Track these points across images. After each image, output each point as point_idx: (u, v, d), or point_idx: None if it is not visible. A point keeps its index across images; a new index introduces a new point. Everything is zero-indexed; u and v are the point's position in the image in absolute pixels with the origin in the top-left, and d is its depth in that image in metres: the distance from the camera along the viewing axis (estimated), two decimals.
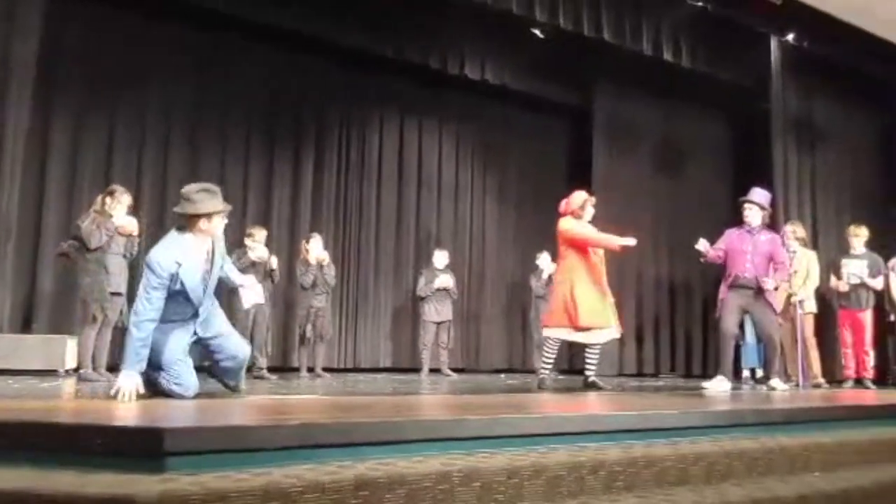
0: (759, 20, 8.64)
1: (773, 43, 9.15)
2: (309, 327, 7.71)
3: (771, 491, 3.16)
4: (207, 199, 3.93)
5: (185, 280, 3.88)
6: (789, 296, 7.58)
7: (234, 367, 4.19)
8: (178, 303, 3.92)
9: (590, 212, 6.09)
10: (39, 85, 7.05)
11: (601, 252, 6.01)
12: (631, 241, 5.94)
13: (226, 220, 4.13)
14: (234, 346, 4.19)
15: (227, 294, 7.01)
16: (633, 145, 10.49)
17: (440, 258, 9.06)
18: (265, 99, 9.11)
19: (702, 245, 6.30)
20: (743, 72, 9.60)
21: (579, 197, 6.12)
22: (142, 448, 2.24)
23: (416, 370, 8.89)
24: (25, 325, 7.40)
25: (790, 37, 8.94)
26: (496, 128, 10.81)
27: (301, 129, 9.48)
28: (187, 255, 3.90)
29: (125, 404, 3.53)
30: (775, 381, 6.29)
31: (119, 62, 8.13)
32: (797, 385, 7.40)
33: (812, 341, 7.63)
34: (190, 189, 3.97)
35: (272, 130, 9.23)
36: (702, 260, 6.47)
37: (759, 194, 6.37)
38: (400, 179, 10.20)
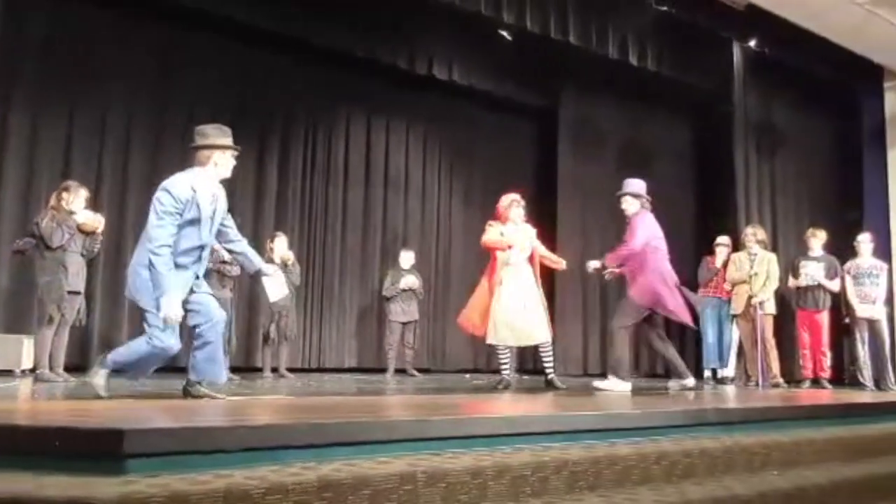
0: (722, 25, 8.77)
1: (736, 48, 9.30)
2: (273, 327, 7.65)
3: (731, 489, 3.21)
4: (221, 135, 4.20)
5: (201, 206, 4.00)
6: (750, 297, 7.73)
7: (210, 334, 4.03)
8: (188, 237, 4.00)
9: (517, 213, 6.11)
10: None
11: (508, 257, 6.02)
12: (507, 251, 6.01)
13: (234, 163, 4.27)
14: (215, 307, 4.12)
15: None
16: (598, 147, 10.58)
17: (406, 258, 9.05)
18: (230, 96, 8.99)
19: (591, 266, 6.22)
20: (706, 76, 9.74)
21: (505, 199, 6.19)
22: (101, 450, 2.20)
23: (382, 370, 8.87)
24: None
25: (752, 42, 9.09)
26: (463, 128, 10.83)
27: (266, 127, 9.38)
28: (200, 186, 4.03)
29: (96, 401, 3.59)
30: (608, 382, 5.94)
31: (79, 58, 7.96)
32: (757, 384, 7.55)
33: (772, 342, 7.77)
34: (204, 126, 4.23)
35: (237, 128, 8.84)
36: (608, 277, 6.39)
37: (629, 184, 6.26)
38: (366, 179, 10.15)
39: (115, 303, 7.82)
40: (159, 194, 3.96)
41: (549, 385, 6.00)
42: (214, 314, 4.09)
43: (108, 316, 7.90)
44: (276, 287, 4.67)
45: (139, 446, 2.20)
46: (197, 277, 4.11)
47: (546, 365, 6.05)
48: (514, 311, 5.85)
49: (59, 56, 7.86)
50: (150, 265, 3.88)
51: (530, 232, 6.18)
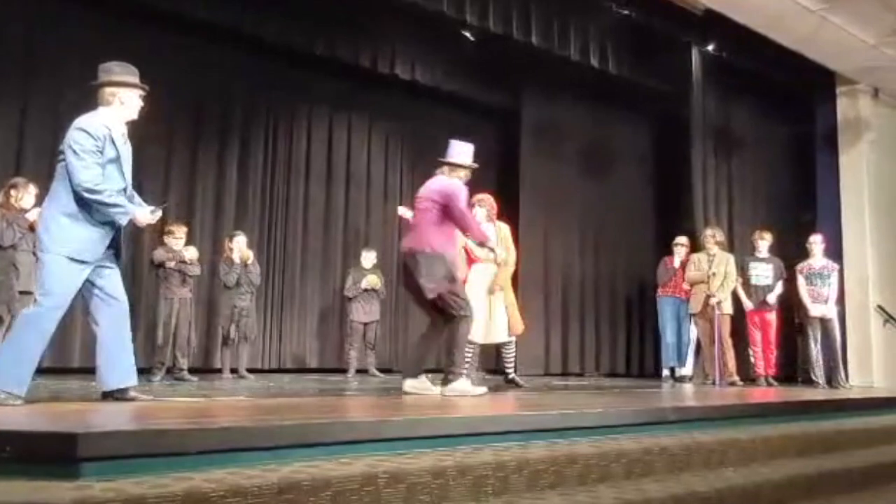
0: (681, 29, 8.90)
1: (694, 52, 9.45)
2: (232, 327, 7.55)
3: (689, 486, 3.25)
4: (126, 73, 4.01)
5: (117, 145, 3.83)
6: (708, 296, 7.85)
7: (114, 340, 3.81)
8: (110, 179, 3.82)
9: (480, 213, 6.10)
10: None
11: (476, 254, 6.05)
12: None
13: (141, 104, 4.05)
14: (120, 294, 3.87)
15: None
16: (560, 147, 10.65)
17: (368, 258, 9.01)
18: (190, 92, 8.85)
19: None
20: (666, 79, 9.87)
21: (473, 200, 6.18)
22: (54, 454, 2.15)
23: (343, 371, 8.82)
24: None
25: (710, 47, 9.25)
26: (426, 128, 10.79)
27: (226, 124, 9.26)
28: (111, 125, 3.86)
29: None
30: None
31: (32, 48, 7.77)
32: (713, 383, 7.68)
33: (729, 341, 7.90)
34: (108, 63, 4.02)
35: (197, 124, 8.99)
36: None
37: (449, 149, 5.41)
38: (328, 177, 10.09)
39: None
40: (73, 135, 3.73)
41: (510, 383, 6.03)
42: (119, 307, 3.85)
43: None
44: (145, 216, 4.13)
45: (93, 450, 2.15)
46: (118, 230, 3.87)
47: (507, 364, 6.08)
48: (481, 309, 5.86)
49: (11, 50, 7.66)
50: (98, 205, 3.69)
51: (503, 231, 6.14)
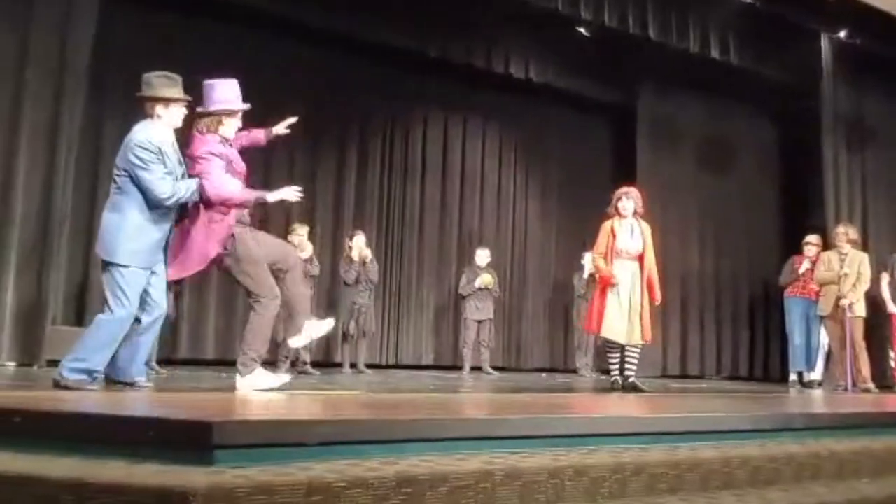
0: (809, 16, 8.48)
1: (824, 40, 8.96)
2: (352, 324, 7.79)
3: (817, 497, 3.10)
4: (166, 86, 4.09)
5: (168, 156, 3.98)
6: (838, 298, 7.42)
7: (149, 315, 4.04)
8: None
9: (626, 205, 5.86)
10: (93, 83, 7.23)
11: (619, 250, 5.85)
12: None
13: (185, 112, 4.14)
14: (162, 293, 4.09)
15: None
16: (677, 143, 10.36)
17: (482, 256, 9.06)
18: (310, 97, 9.17)
19: None
20: (791, 69, 9.42)
21: (616, 193, 5.99)
22: (191, 440, 2.28)
23: (458, 368, 8.91)
24: (79, 318, 7.58)
25: (842, 34, 8.74)
26: (540, 126, 10.77)
27: (345, 127, 9.55)
28: (160, 136, 4.00)
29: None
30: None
31: (167, 60, 8.21)
32: (845, 389, 7.25)
33: (862, 345, 7.43)
34: (150, 74, 4.11)
35: (316, 128, 9.29)
36: None
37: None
38: (443, 177, 10.22)
39: (200, 294, 8.06)
40: (136, 153, 3.87)
41: (631, 388, 5.82)
42: (156, 312, 4.06)
43: (196, 306, 8.14)
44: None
45: (227, 438, 2.26)
46: (170, 234, 4.05)
47: (629, 367, 5.87)
48: (617, 308, 5.70)
49: (148, 60, 8.10)
50: (179, 202, 3.92)
51: (646, 229, 5.93)
